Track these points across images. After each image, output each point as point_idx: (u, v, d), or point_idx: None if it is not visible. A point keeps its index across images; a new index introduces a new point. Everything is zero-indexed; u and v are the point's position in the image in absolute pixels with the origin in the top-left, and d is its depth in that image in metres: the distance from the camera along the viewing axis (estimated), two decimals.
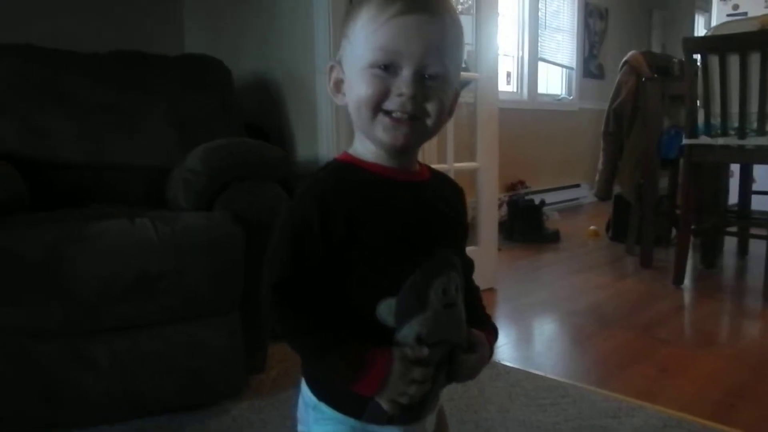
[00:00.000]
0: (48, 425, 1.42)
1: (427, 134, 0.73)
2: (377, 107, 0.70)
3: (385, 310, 0.70)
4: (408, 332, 0.70)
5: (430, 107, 0.70)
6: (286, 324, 0.71)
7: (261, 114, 2.45)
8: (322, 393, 0.76)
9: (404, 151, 0.74)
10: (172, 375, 1.49)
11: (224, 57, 2.29)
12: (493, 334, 0.82)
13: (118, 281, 1.40)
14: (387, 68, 0.69)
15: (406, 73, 0.68)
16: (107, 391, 1.43)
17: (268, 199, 1.67)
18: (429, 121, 0.71)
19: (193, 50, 2.57)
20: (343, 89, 0.75)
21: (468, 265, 0.84)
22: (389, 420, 0.73)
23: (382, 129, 0.71)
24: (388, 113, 0.70)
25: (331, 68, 0.76)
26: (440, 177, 0.83)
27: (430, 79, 0.69)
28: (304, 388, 0.79)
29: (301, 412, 0.81)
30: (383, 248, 0.71)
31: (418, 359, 0.69)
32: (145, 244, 1.43)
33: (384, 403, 0.70)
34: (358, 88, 0.71)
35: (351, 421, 0.74)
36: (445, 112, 0.73)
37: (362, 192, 0.72)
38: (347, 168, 0.74)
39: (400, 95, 0.69)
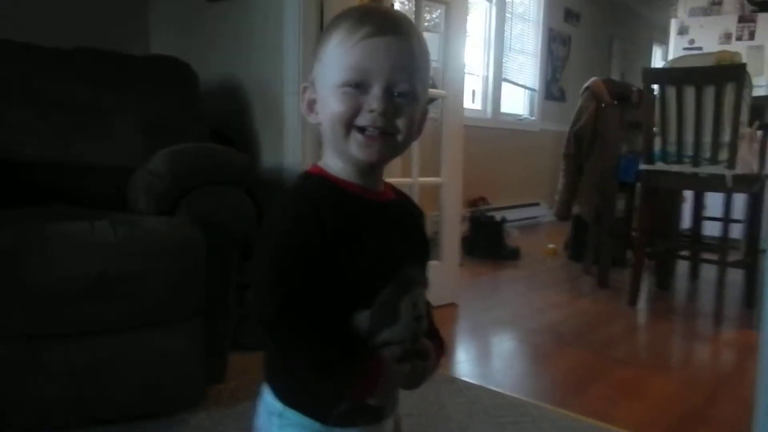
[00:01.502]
0: None
1: (397, 150, 0.76)
2: (350, 123, 0.72)
3: (361, 320, 0.73)
4: (380, 341, 0.73)
5: (400, 123, 0.73)
6: (292, 340, 0.71)
7: (227, 120, 2.41)
8: (289, 399, 0.77)
9: (377, 166, 0.77)
10: (130, 383, 1.44)
11: (191, 60, 2.25)
12: (442, 347, 0.85)
13: (75, 284, 1.34)
14: (358, 86, 0.71)
15: (376, 90, 0.71)
16: (61, 398, 1.37)
17: (232, 204, 1.64)
18: (399, 137, 0.74)
19: (158, 51, 2.51)
20: (316, 109, 0.77)
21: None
22: (353, 422, 0.75)
23: (356, 146, 0.73)
24: (361, 130, 0.72)
25: (305, 89, 0.78)
26: (403, 198, 0.86)
27: (399, 96, 0.72)
28: (267, 397, 0.79)
29: (263, 420, 0.80)
30: (361, 261, 0.73)
31: (405, 356, 0.74)
32: (104, 248, 1.39)
33: (379, 400, 0.73)
34: (330, 105, 0.73)
35: (316, 425, 0.76)
36: (414, 129, 0.76)
37: (344, 207, 0.74)
38: (326, 182, 0.76)
39: (371, 111, 0.71)
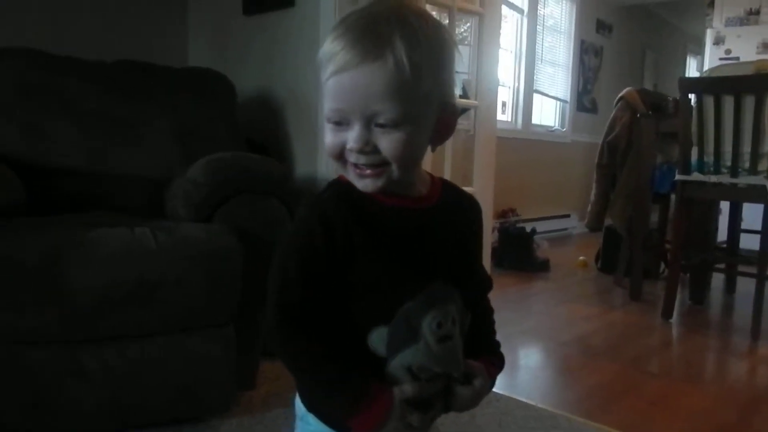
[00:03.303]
0: None
1: (400, 174, 0.71)
2: (340, 158, 0.71)
3: (377, 339, 0.69)
4: (398, 363, 0.70)
5: (388, 153, 0.69)
6: (289, 351, 0.71)
7: (262, 130, 2.46)
8: (309, 403, 0.76)
9: (383, 191, 0.72)
10: (163, 387, 1.47)
11: (227, 72, 2.31)
12: (497, 363, 0.81)
13: (115, 290, 1.38)
14: (339, 123, 0.70)
15: (354, 126, 0.69)
16: (97, 402, 1.40)
17: (268, 213, 1.67)
18: (393, 165, 0.70)
19: (196, 64, 2.58)
20: None
21: (484, 283, 0.84)
22: None
23: (353, 176, 0.72)
24: (353, 164, 0.71)
25: None
26: (453, 196, 0.81)
27: (381, 126, 0.68)
28: (296, 399, 0.79)
29: (295, 422, 0.81)
30: (379, 276, 0.70)
31: (417, 396, 0.69)
32: (145, 254, 1.42)
33: None
34: (325, 136, 0.72)
35: None
36: (414, 148, 0.72)
37: (363, 217, 0.71)
38: (350, 191, 0.73)
39: (350, 149, 0.69)
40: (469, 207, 0.83)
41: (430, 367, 0.70)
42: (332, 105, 0.69)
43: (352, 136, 0.69)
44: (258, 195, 1.69)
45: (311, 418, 0.76)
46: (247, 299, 1.57)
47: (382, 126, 0.68)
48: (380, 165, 0.70)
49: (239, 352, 1.58)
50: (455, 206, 0.80)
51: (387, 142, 0.69)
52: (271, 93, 2.45)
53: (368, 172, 0.70)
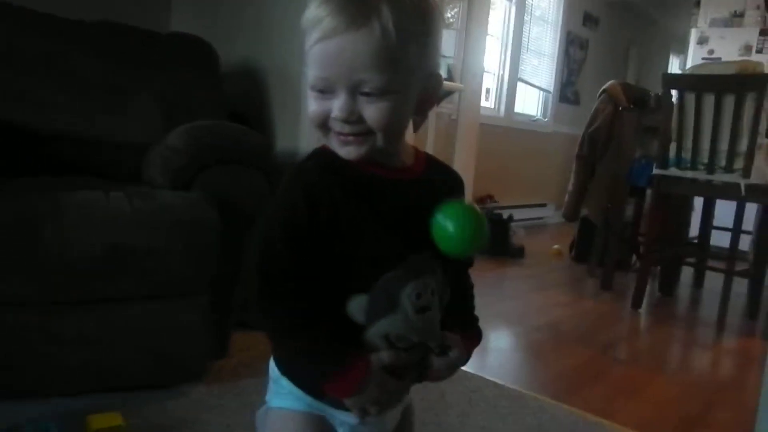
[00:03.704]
0: (5, 391, 1.37)
1: (384, 143, 0.71)
2: (324, 126, 0.71)
3: (356, 306, 0.69)
4: (376, 331, 0.70)
5: (373, 122, 0.68)
6: (271, 319, 0.71)
7: (245, 102, 2.42)
8: (282, 368, 0.77)
9: (366, 159, 0.72)
10: (137, 352, 1.46)
11: (211, 40, 2.26)
12: (474, 338, 0.82)
13: (88, 254, 1.36)
14: (323, 91, 0.69)
15: (339, 95, 0.68)
16: (70, 364, 1.39)
17: (248, 184, 1.66)
18: (378, 134, 0.70)
19: (179, 29, 2.52)
20: None
21: (463, 261, 0.84)
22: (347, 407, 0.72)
23: (336, 144, 0.71)
24: (337, 132, 0.70)
25: None
26: (437, 169, 0.81)
27: (367, 95, 0.68)
28: (271, 361, 0.80)
29: (269, 383, 0.82)
30: (361, 245, 0.70)
31: (394, 364, 0.70)
32: (119, 218, 1.40)
33: (354, 409, 0.71)
34: (308, 103, 0.71)
35: (308, 398, 0.76)
36: (399, 118, 0.71)
37: (347, 186, 0.71)
38: (333, 160, 0.72)
39: (335, 117, 0.69)
40: (452, 181, 0.83)
41: (407, 336, 0.70)
42: (317, 73, 0.68)
43: (337, 105, 0.68)
44: (238, 165, 1.67)
45: (284, 381, 0.77)
46: (223, 269, 1.56)
47: (367, 95, 0.67)
48: (365, 133, 0.69)
49: (213, 321, 1.57)
50: (439, 180, 0.80)
51: (372, 111, 0.68)
52: (255, 65, 2.41)
53: (351, 139, 0.70)
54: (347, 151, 0.71)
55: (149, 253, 1.42)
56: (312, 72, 0.69)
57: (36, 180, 1.61)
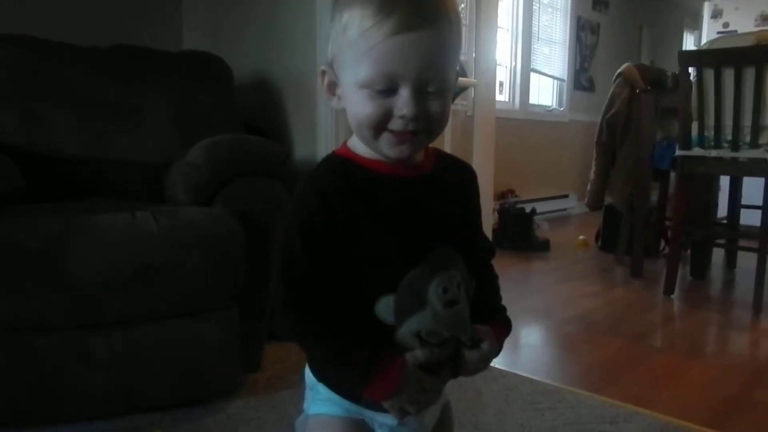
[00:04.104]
0: (41, 418, 1.39)
1: (430, 141, 0.73)
2: (380, 128, 0.68)
3: (384, 307, 0.69)
4: (407, 330, 0.70)
5: (433, 120, 0.69)
6: (300, 326, 0.71)
7: (260, 113, 2.43)
8: (320, 375, 0.76)
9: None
10: (169, 370, 1.47)
11: (223, 55, 2.28)
12: (504, 327, 0.81)
13: (118, 274, 1.38)
14: (384, 90, 0.66)
15: (405, 92, 0.66)
16: (103, 386, 1.40)
17: (269, 195, 1.66)
18: (433, 132, 0.71)
19: (191, 47, 2.55)
20: (338, 93, 0.72)
21: (486, 250, 0.84)
22: (385, 408, 0.72)
23: (386, 145, 0.70)
24: (391, 131, 0.69)
25: (323, 73, 0.73)
26: (447, 163, 0.81)
27: (430, 92, 0.67)
28: (306, 368, 0.79)
29: (306, 392, 0.82)
30: (380, 245, 0.70)
31: (428, 361, 0.69)
32: (146, 238, 1.42)
33: (393, 410, 0.71)
34: (356, 105, 0.69)
35: (345, 403, 0.75)
36: (447, 117, 0.71)
37: (360, 189, 0.71)
38: (346, 164, 0.73)
39: (402, 117, 0.67)
40: (463, 173, 0.83)
41: (438, 331, 0.70)
42: (380, 69, 0.65)
43: (404, 103, 0.66)
44: (258, 177, 1.68)
45: (321, 387, 0.77)
46: (250, 282, 1.57)
47: (430, 92, 0.67)
48: (423, 131, 0.69)
49: (244, 334, 1.58)
50: (450, 173, 0.80)
51: (436, 108, 0.68)
52: (269, 75, 2.43)
53: (409, 137, 0.69)
54: (400, 150, 0.70)
55: (177, 270, 1.43)
56: (371, 70, 0.66)
57: (59, 204, 1.64)
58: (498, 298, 0.85)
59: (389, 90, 0.66)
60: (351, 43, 0.67)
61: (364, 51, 0.65)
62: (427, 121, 0.68)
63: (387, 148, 0.70)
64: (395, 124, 0.68)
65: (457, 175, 0.81)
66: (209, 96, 2.15)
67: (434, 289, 0.69)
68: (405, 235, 0.71)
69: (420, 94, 0.67)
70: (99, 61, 2.05)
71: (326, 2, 2.15)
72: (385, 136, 0.69)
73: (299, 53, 2.29)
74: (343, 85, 0.71)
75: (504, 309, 0.84)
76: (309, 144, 2.26)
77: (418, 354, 0.69)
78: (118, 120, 1.99)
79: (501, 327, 0.80)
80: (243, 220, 1.55)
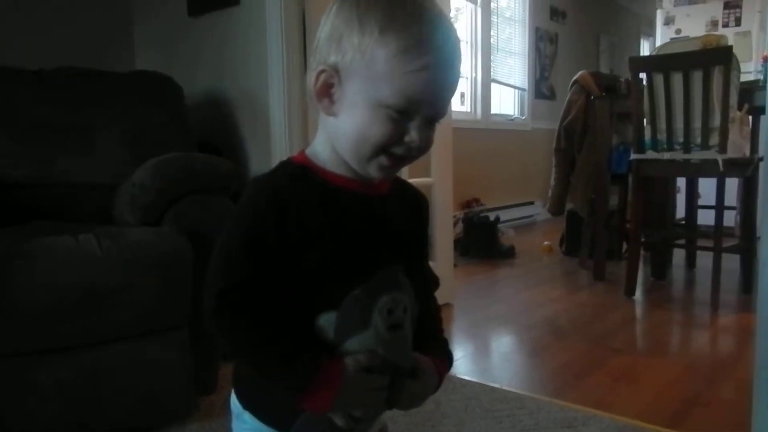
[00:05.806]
0: None
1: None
2: (382, 149, 0.68)
3: (326, 323, 0.67)
4: (347, 349, 0.67)
5: (426, 149, 0.70)
6: (232, 333, 0.67)
7: (215, 131, 2.42)
8: (248, 402, 0.74)
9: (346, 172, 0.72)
10: (122, 396, 1.43)
11: (176, 75, 2.26)
12: (446, 362, 0.78)
13: (61, 299, 1.34)
14: (402, 113, 0.66)
15: (418, 119, 0.67)
16: (52, 416, 1.36)
17: (218, 212, 1.63)
18: (415, 159, 0.71)
19: (144, 68, 2.52)
20: (336, 97, 0.69)
21: (430, 282, 0.82)
22: None
23: (377, 167, 0.69)
24: (390, 154, 0.68)
25: (322, 72, 0.68)
26: (403, 188, 0.80)
27: (431, 123, 0.69)
28: (232, 396, 0.77)
29: (232, 422, 0.79)
30: (329, 260, 0.68)
31: (371, 366, 0.67)
32: (90, 260, 1.38)
33: (338, 418, 0.68)
34: (365, 121, 0.67)
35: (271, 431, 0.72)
36: None
37: (315, 199, 0.68)
38: (305, 171, 0.71)
39: (410, 143, 0.67)
40: (417, 200, 0.82)
41: (378, 353, 0.68)
42: (414, 95, 0.65)
43: (416, 129, 0.67)
44: (207, 194, 1.66)
45: (247, 416, 0.74)
46: (201, 300, 1.53)
47: (431, 123, 0.69)
48: (414, 158, 0.70)
49: (197, 356, 1.55)
50: (405, 198, 0.80)
51: (432, 137, 0.69)
52: (222, 94, 2.41)
53: (401, 162, 0.70)
54: (388, 173, 0.71)
55: (123, 292, 1.40)
56: (397, 94, 0.65)
57: (0, 230, 1.59)
58: (440, 330, 0.82)
59: (408, 115, 0.67)
60: (384, 62, 0.65)
61: (398, 74, 0.65)
62: (422, 150, 0.69)
63: (375, 169, 0.69)
64: (399, 149, 0.68)
65: (412, 201, 0.81)
66: (160, 115, 2.12)
67: (379, 309, 0.67)
68: (358, 252, 0.69)
69: (429, 123, 0.68)
70: (44, 83, 2.02)
71: (276, 24, 2.16)
72: (381, 159, 0.68)
73: (252, 73, 2.28)
74: (348, 95, 0.68)
75: (446, 342, 0.81)
76: (264, 160, 2.25)
77: (361, 358, 0.66)
78: (65, 142, 1.95)
79: (443, 360, 0.78)
80: (192, 239, 1.52)
